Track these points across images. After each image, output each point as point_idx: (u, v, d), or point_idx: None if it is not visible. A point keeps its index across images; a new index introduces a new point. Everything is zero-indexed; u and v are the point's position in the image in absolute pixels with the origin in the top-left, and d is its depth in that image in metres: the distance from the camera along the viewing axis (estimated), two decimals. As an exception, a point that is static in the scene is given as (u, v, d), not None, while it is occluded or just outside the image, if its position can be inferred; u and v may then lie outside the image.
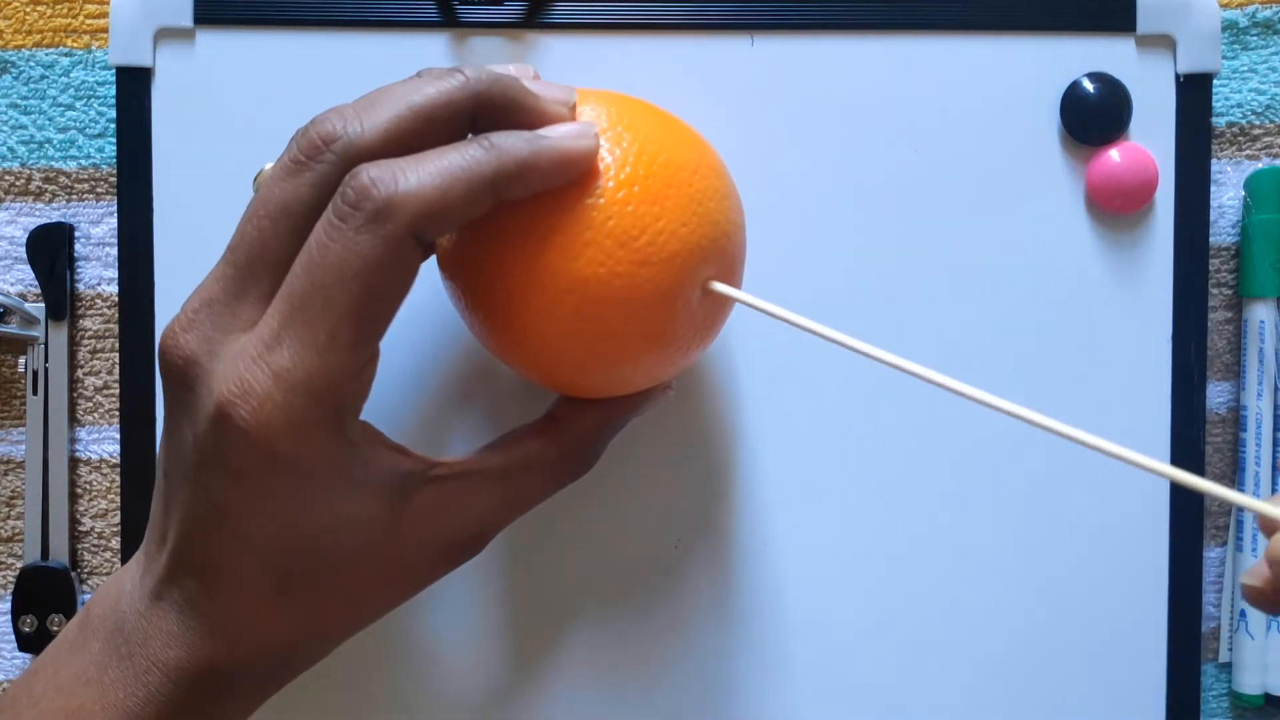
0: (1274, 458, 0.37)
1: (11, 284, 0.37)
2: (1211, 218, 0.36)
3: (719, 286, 0.28)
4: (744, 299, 0.28)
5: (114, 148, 0.36)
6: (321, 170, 0.25)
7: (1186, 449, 0.35)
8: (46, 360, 0.37)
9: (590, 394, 0.31)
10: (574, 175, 0.27)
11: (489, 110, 0.27)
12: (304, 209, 0.26)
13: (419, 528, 0.28)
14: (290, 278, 0.25)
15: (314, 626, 0.28)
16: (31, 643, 0.36)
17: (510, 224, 0.27)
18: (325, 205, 0.25)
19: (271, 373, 0.25)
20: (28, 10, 0.37)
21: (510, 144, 0.26)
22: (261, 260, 0.26)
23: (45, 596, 0.36)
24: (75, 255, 0.37)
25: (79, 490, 0.37)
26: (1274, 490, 0.37)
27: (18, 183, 0.37)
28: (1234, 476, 0.37)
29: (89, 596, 0.37)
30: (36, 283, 0.37)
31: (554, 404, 0.31)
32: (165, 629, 0.26)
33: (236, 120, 0.35)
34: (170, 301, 0.35)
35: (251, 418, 0.25)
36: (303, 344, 0.25)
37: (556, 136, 0.27)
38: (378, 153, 0.25)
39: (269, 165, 0.29)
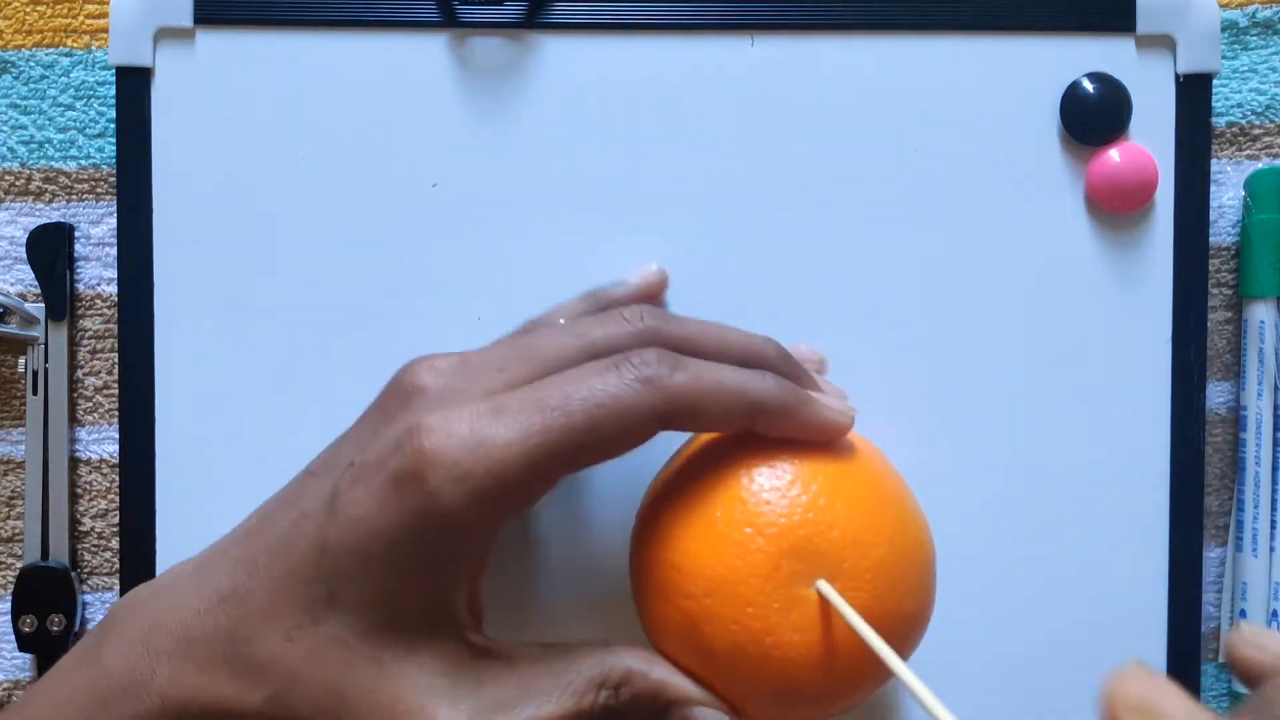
0: (1274, 458, 0.37)
1: (11, 284, 0.37)
2: (1211, 218, 0.36)
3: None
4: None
5: (114, 148, 0.36)
6: (626, 329, 0.28)
7: (1186, 449, 0.35)
8: (46, 360, 0.37)
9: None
10: (824, 438, 0.28)
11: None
12: (598, 348, 0.28)
13: (426, 686, 0.27)
14: (548, 380, 0.27)
15: (311, 672, 0.27)
16: (31, 643, 0.36)
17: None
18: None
19: (476, 427, 0.26)
20: (28, 10, 0.37)
21: (785, 388, 0.28)
22: (538, 357, 0.28)
23: (45, 596, 0.36)
24: (75, 255, 0.37)
25: (79, 490, 0.37)
26: (1274, 490, 0.37)
27: (18, 183, 0.37)
28: (1234, 476, 0.37)
29: (89, 596, 0.37)
30: (36, 283, 0.37)
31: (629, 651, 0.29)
32: (183, 628, 0.27)
33: (236, 120, 0.35)
34: (170, 301, 0.35)
35: (433, 445, 0.25)
36: (520, 426, 0.26)
37: (823, 401, 0.28)
38: (673, 344, 0.28)
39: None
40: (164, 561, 0.35)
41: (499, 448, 0.25)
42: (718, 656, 0.27)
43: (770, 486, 0.28)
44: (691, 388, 0.26)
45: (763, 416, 0.27)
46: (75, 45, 0.37)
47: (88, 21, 0.37)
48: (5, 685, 0.37)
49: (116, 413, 0.37)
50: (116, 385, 0.36)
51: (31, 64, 0.37)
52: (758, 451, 0.28)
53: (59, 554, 0.37)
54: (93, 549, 0.37)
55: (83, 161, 0.37)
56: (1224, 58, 0.37)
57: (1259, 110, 0.37)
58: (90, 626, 0.37)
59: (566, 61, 0.35)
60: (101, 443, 0.37)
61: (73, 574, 0.37)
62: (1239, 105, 0.37)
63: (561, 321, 0.30)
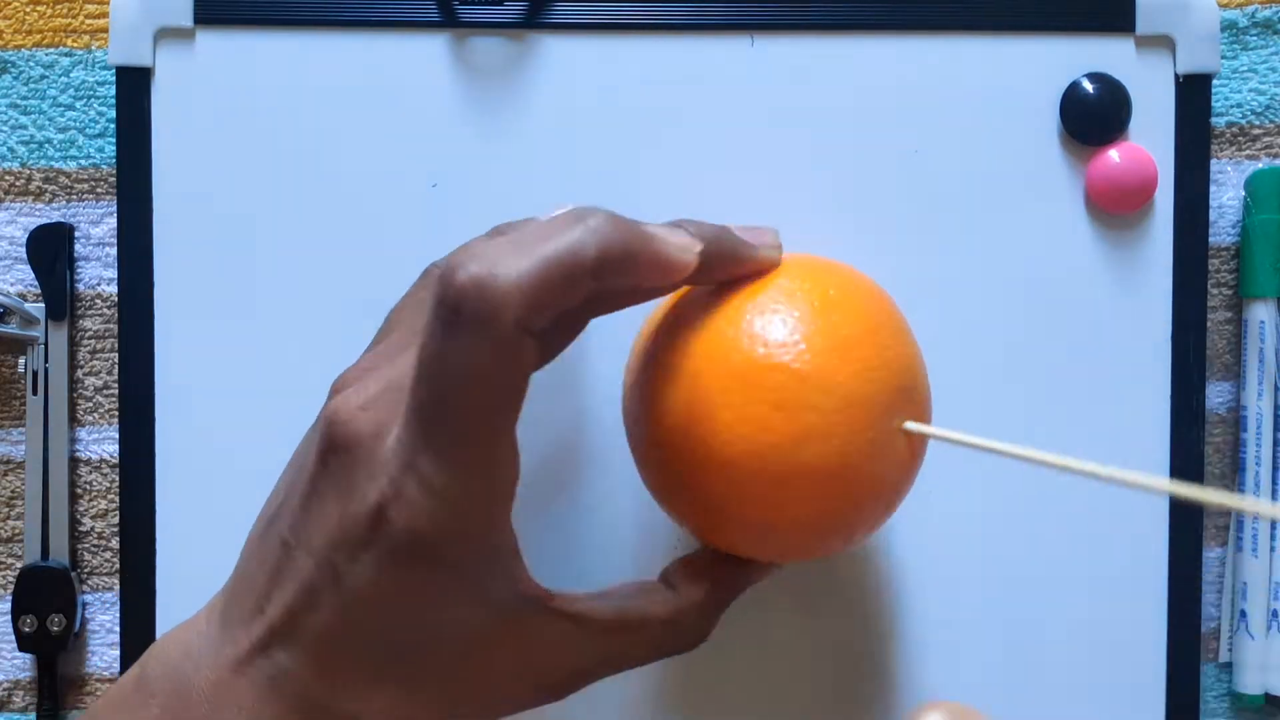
0: (1274, 458, 0.37)
1: (11, 284, 0.37)
2: (1211, 218, 0.36)
3: (913, 427, 0.28)
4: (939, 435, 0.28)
5: (114, 148, 0.37)
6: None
7: (1186, 449, 0.35)
8: (46, 360, 0.37)
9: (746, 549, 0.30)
10: (667, 281, 0.27)
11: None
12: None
13: (517, 654, 0.27)
14: (414, 388, 0.25)
15: None
16: (31, 643, 0.36)
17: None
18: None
19: (417, 479, 0.25)
20: (28, 10, 0.37)
21: (610, 228, 0.25)
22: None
23: (45, 596, 0.36)
24: (75, 255, 0.37)
25: (79, 490, 0.37)
26: (1275, 490, 0.37)
27: (18, 183, 0.37)
28: (1234, 476, 0.37)
29: (89, 596, 0.37)
30: (36, 283, 0.37)
31: (670, 568, 0.30)
32: (238, 702, 0.26)
33: (236, 120, 0.35)
34: (170, 301, 0.35)
35: (401, 519, 0.25)
36: (437, 453, 0.24)
37: (662, 237, 0.26)
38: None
39: None
40: (164, 562, 0.35)
41: (438, 482, 0.25)
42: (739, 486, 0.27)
43: (771, 337, 0.27)
44: (529, 300, 0.24)
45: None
46: (75, 45, 0.37)
47: (88, 21, 0.37)
48: (5, 685, 0.37)
49: (116, 413, 0.37)
50: (116, 385, 0.36)
51: (31, 64, 0.37)
52: (723, 303, 0.28)
53: (59, 554, 0.37)
54: (93, 549, 0.37)
55: (83, 161, 0.37)
56: (1224, 58, 0.37)
57: (1259, 110, 0.37)
58: (90, 626, 0.37)
59: (566, 61, 0.35)
60: (101, 443, 0.37)
61: (73, 574, 0.37)
62: (1239, 105, 0.37)
63: None
